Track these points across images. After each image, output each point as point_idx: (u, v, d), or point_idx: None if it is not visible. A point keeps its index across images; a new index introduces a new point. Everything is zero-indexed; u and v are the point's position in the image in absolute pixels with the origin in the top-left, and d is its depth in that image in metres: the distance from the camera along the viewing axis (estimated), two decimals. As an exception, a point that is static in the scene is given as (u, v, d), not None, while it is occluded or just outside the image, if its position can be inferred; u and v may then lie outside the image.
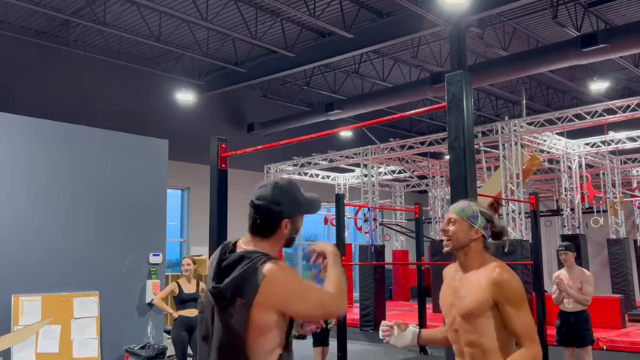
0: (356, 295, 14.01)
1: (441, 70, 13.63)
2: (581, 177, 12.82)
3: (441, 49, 13.68)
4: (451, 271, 2.63)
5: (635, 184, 15.64)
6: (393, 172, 16.19)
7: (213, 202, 4.05)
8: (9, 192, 6.41)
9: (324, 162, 15.36)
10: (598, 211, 12.83)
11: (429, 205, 16.08)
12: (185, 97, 14.43)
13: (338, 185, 17.60)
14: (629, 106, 10.64)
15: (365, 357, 9.94)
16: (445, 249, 2.54)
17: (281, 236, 2.13)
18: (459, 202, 2.60)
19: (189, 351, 6.92)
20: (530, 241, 8.69)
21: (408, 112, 3.82)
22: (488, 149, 12.69)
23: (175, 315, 6.81)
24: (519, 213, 10.82)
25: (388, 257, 15.99)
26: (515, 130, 11.06)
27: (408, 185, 18.53)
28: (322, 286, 2.11)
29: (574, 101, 17.74)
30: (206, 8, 11.13)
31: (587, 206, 12.75)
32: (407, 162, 14.84)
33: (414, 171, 15.60)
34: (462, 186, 2.90)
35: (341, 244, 8.65)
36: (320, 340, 7.34)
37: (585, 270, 6.39)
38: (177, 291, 6.87)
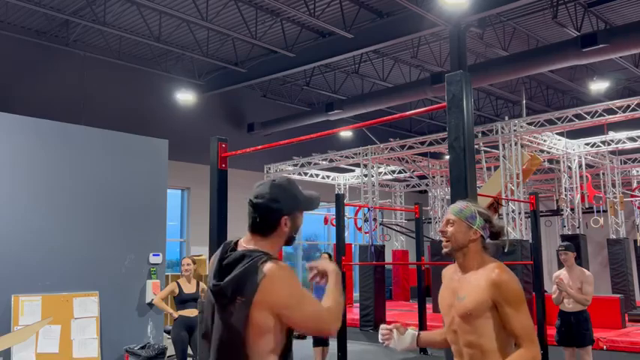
0: (356, 295, 14.02)
1: (441, 70, 13.62)
2: (581, 177, 12.82)
3: (441, 49, 13.67)
4: (450, 271, 2.63)
5: (635, 184, 15.64)
6: (393, 172, 16.18)
7: (213, 202, 4.05)
8: (9, 192, 6.41)
9: (324, 162, 15.36)
10: (598, 211, 12.82)
11: (429, 205, 16.08)
12: (185, 97, 14.43)
13: (338, 185, 17.60)
14: (629, 106, 10.63)
15: (365, 357, 9.94)
16: (444, 250, 2.54)
17: (281, 234, 2.13)
18: (457, 202, 2.60)
19: (190, 351, 6.92)
20: (530, 241, 8.69)
21: (408, 112, 3.82)
22: (488, 149, 12.69)
23: (175, 315, 6.81)
24: (519, 213, 10.82)
25: (388, 257, 15.99)
26: (515, 130, 11.06)
27: (408, 185, 18.52)
28: (320, 299, 2.10)
29: (574, 101, 17.73)
30: (206, 8, 11.13)
31: (587, 206, 12.75)
32: (407, 162, 14.84)
33: (414, 171, 15.60)
34: (462, 186, 2.90)
35: (341, 244, 8.66)
36: (320, 340, 7.34)
37: (585, 270, 6.39)
38: (177, 291, 6.87)
